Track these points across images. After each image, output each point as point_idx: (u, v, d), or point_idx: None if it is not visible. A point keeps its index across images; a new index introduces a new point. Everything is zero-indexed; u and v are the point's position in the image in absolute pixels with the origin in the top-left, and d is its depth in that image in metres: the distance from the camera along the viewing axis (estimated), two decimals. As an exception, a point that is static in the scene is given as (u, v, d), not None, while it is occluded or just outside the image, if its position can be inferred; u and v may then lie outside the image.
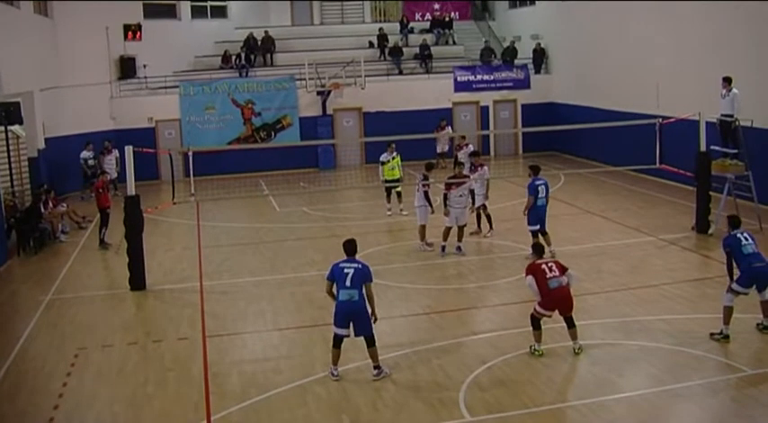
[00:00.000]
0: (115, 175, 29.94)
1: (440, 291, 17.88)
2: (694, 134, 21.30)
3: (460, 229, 20.66)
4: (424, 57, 38.94)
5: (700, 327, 14.90)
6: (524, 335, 14.61)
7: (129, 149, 18.59)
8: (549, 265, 13.89)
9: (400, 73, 38.54)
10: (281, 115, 35.82)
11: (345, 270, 13.07)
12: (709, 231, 21.26)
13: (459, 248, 20.66)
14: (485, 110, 37.78)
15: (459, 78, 37.49)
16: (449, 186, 20.53)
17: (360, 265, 13.16)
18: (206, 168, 24.82)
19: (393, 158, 24.61)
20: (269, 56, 38.74)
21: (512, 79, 38.09)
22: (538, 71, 38.69)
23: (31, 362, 14.74)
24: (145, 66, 35.03)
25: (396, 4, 45.58)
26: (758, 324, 14.45)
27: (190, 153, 20.30)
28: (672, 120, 21.99)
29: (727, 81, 22.15)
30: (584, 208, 25.37)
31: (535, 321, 13.96)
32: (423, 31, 41.90)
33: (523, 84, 38.15)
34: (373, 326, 13.21)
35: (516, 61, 38.73)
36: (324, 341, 14.89)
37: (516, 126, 37.83)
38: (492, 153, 37.83)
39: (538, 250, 14.45)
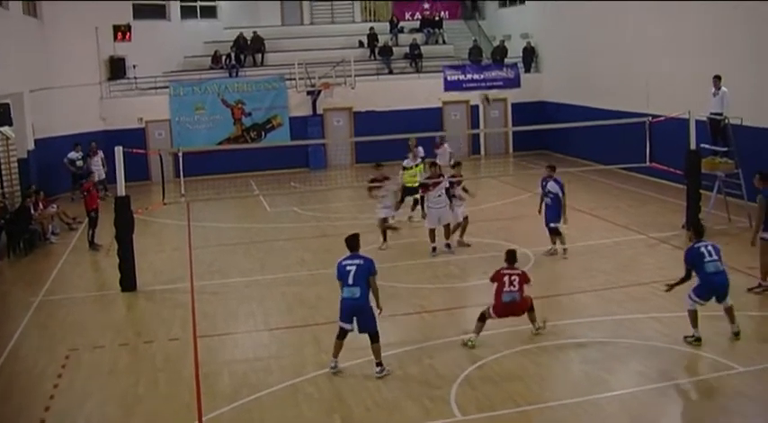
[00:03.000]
0: (103, 175, 29.84)
1: (431, 290, 17.88)
2: (684, 132, 21.33)
3: (446, 227, 20.67)
4: (414, 56, 38.98)
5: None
6: (515, 333, 14.65)
7: (119, 150, 18.55)
8: (512, 278, 14.14)
9: (390, 72, 38.57)
10: (271, 115, 35.81)
11: (348, 267, 13.21)
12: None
13: (447, 246, 20.69)
14: (475, 109, 37.81)
15: (448, 78, 37.50)
16: (425, 188, 20.54)
17: (362, 261, 13.30)
18: (196, 169, 24.76)
19: (417, 165, 23.80)
20: (259, 56, 38.75)
21: (502, 78, 38.12)
22: (528, 70, 38.73)
23: (21, 363, 14.70)
24: (134, 66, 34.96)
25: (385, 4, 45.64)
26: (734, 333, 13.99)
27: (180, 153, 20.25)
28: (662, 118, 22.02)
29: (718, 79, 22.22)
30: (575, 206, 25.34)
31: (482, 316, 14.28)
32: (412, 31, 41.95)
33: (513, 83, 38.18)
34: (378, 322, 13.26)
35: (506, 60, 38.76)
36: (314, 341, 14.92)
37: (506, 125, 37.88)
38: (482, 152, 37.89)
39: (509, 258, 14.54)
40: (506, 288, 14.08)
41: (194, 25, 39.53)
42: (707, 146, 22.39)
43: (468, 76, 37.81)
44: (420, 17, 43.37)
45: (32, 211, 23.70)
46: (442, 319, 16.05)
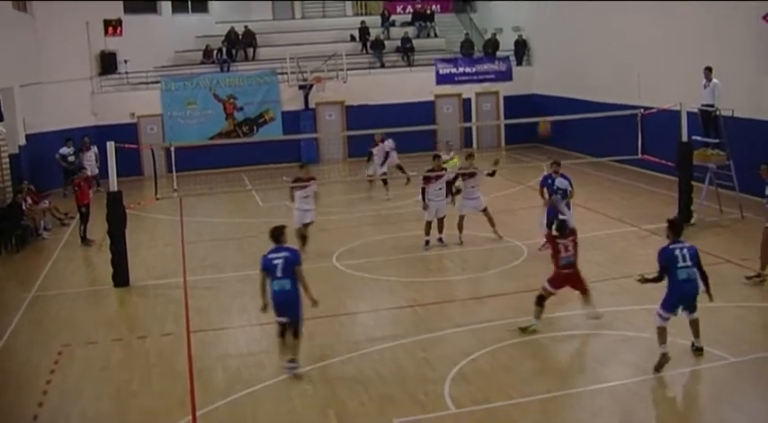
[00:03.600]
0: (96, 171, 29.80)
1: (423, 283, 17.91)
2: (676, 124, 21.38)
3: (440, 220, 20.69)
4: (406, 50, 38.93)
5: (682, 317, 14.97)
6: (508, 326, 14.68)
7: (110, 145, 18.52)
8: (566, 245, 14.40)
9: (382, 66, 38.50)
10: (263, 110, 35.77)
11: (275, 261, 13.12)
12: (692, 221, 21.34)
13: (440, 240, 20.71)
14: (467, 102, 37.82)
15: (440, 71, 37.49)
16: (427, 180, 20.54)
17: (288, 253, 13.27)
18: (188, 164, 24.78)
19: (451, 158, 24.49)
20: (250, 50, 38.66)
21: (493, 71, 38.13)
22: (519, 63, 38.73)
23: (14, 359, 14.69)
24: (126, 61, 34.87)
25: (377, -3, 45.51)
26: (692, 344, 13.14)
27: (172, 148, 20.24)
28: (653, 110, 22.06)
29: (709, 71, 22.26)
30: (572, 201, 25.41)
31: (541, 299, 14.52)
32: (404, 24, 41.83)
33: (505, 76, 38.18)
34: (302, 319, 13.25)
35: (498, 53, 38.75)
36: (308, 336, 14.88)
37: (498, 118, 37.89)
38: (475, 145, 37.89)
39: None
40: (563, 254, 14.29)
41: (185, 20, 39.40)
42: (698, 138, 22.44)
43: (460, 70, 37.81)
44: (412, 10, 43.28)
45: (24, 207, 23.65)
46: (436, 313, 16.05)
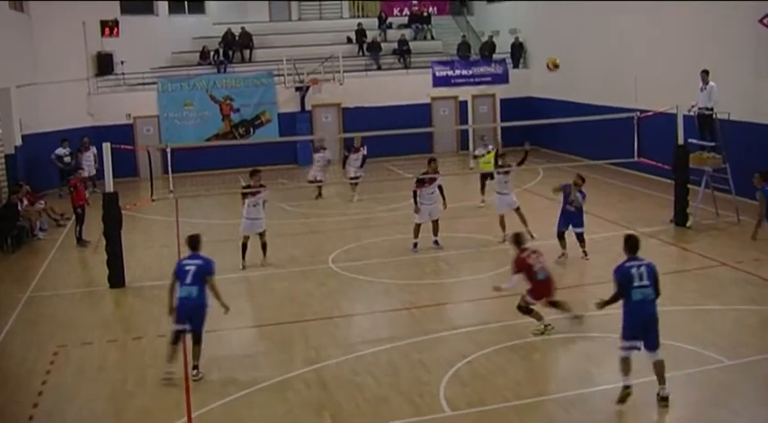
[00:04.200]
0: (94, 171, 29.78)
1: (419, 286, 17.91)
2: (672, 127, 21.41)
3: (435, 223, 20.70)
4: (403, 52, 38.94)
5: (678, 319, 15.00)
6: (504, 329, 14.70)
7: (107, 146, 18.51)
8: (537, 256, 14.39)
9: (379, 68, 38.51)
10: (259, 111, 35.77)
11: (187, 267, 13.23)
12: (688, 224, 21.39)
13: (436, 242, 20.72)
14: (463, 105, 37.82)
15: (437, 73, 37.47)
16: (420, 184, 20.54)
17: (202, 261, 13.35)
18: (184, 165, 24.71)
19: (489, 152, 25.27)
20: (247, 52, 38.66)
21: (490, 74, 38.11)
22: (516, 66, 38.76)
23: (10, 359, 14.68)
24: (122, 62, 34.84)
25: (374, 0, 45.45)
26: (658, 394, 11.74)
27: (168, 149, 20.21)
28: (650, 113, 22.08)
29: (706, 74, 22.29)
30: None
31: (526, 309, 14.53)
32: (401, 27, 41.87)
33: (502, 78, 38.18)
34: (204, 327, 13.30)
35: (494, 56, 38.76)
36: (303, 337, 14.93)
37: (495, 120, 37.89)
38: (471, 148, 37.84)
39: (518, 241, 14.63)
40: (537, 268, 14.21)
41: (182, 21, 39.38)
42: (694, 141, 22.46)
43: (457, 72, 37.76)
44: (408, 13, 43.31)
45: (20, 208, 23.61)
46: (431, 315, 16.05)
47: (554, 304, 14.53)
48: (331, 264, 19.82)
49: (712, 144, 22.40)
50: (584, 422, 11.39)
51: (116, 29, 34.47)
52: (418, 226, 20.59)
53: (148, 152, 21.29)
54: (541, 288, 14.28)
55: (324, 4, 44.89)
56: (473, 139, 37.51)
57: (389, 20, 42.25)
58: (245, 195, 19.93)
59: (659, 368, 11.60)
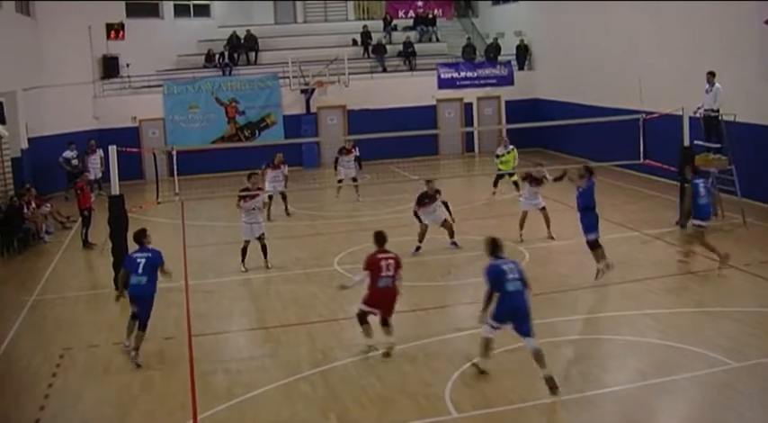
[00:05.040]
0: (99, 174, 29.84)
1: (425, 288, 17.88)
2: (678, 129, 21.38)
3: (449, 226, 20.71)
4: (408, 54, 38.95)
5: (685, 321, 14.99)
6: (509, 331, 14.66)
7: (112, 149, 18.53)
8: (388, 262, 13.94)
9: (384, 70, 38.52)
10: (264, 114, 35.82)
11: (138, 259, 14.58)
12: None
13: (454, 244, 20.76)
14: (468, 107, 37.81)
15: (442, 75, 37.50)
16: (420, 204, 20.51)
17: (151, 254, 14.70)
18: (190, 167, 24.71)
19: (509, 152, 26.19)
20: (252, 54, 38.69)
21: (495, 76, 38.13)
22: (521, 68, 38.75)
23: (16, 363, 14.69)
24: (128, 65, 34.91)
25: (379, 2, 45.49)
26: (544, 378, 12.20)
27: (174, 152, 20.23)
28: (655, 115, 22.05)
29: (711, 75, 22.25)
30: (569, 204, 25.29)
31: (362, 317, 14.09)
32: (406, 29, 41.90)
33: (507, 80, 38.18)
34: (149, 314, 14.56)
35: (500, 58, 38.76)
36: (309, 339, 14.93)
37: (500, 123, 37.89)
38: (476, 150, 37.94)
39: (379, 240, 14.36)
40: (383, 273, 13.82)
41: (188, 24, 39.43)
42: (700, 142, 22.43)
43: (462, 74, 37.82)
44: (413, 15, 43.32)
45: (26, 211, 23.66)
46: (436, 317, 16.05)
47: (385, 323, 14.06)
48: (336, 266, 19.82)
49: (718, 146, 22.37)
50: (591, 424, 11.38)
51: (122, 32, 34.62)
52: (423, 231, 20.59)
53: (154, 155, 21.32)
54: (377, 296, 13.88)
55: (329, 6, 44.94)
56: (478, 139, 37.68)
57: (394, 22, 42.26)
58: (241, 198, 19.88)
59: (538, 356, 12.22)
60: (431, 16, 42.60)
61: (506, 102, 38.08)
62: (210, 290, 18.50)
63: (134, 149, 23.52)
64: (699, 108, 22.44)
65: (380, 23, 41.79)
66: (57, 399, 12.99)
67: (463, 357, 13.58)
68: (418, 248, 20.61)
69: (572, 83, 34.54)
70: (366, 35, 39.77)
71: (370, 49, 39.39)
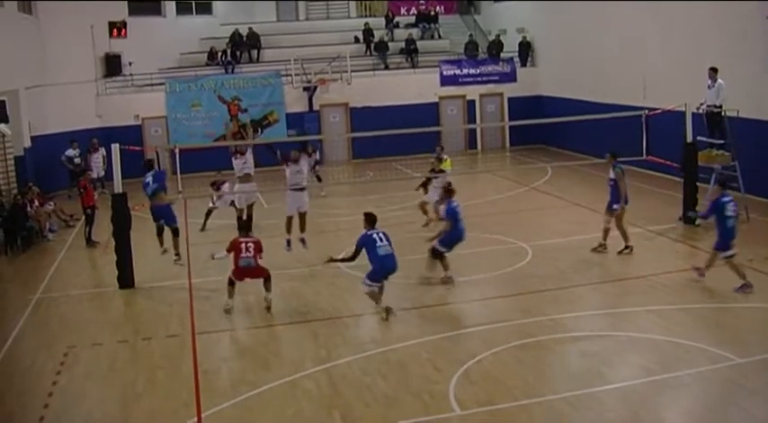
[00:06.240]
0: (102, 173, 29.89)
1: (428, 285, 17.87)
2: (681, 125, 21.36)
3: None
4: (410, 51, 38.95)
5: (688, 317, 14.98)
6: (513, 328, 14.69)
7: (115, 147, 18.56)
8: (248, 245, 16.48)
9: (386, 68, 38.51)
10: (267, 111, 35.83)
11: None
12: (696, 222, 21.29)
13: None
14: (471, 104, 37.80)
15: (445, 72, 37.51)
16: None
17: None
18: (193, 165, 24.68)
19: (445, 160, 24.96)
20: (255, 52, 38.71)
21: (498, 73, 38.13)
22: (524, 64, 38.74)
23: (20, 361, 14.70)
24: (130, 63, 34.97)
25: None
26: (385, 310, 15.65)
27: (176, 150, 20.24)
28: (658, 111, 22.03)
29: (714, 71, 22.22)
30: (572, 200, 25.43)
31: (230, 281, 16.69)
32: (408, 26, 41.87)
33: (510, 77, 38.19)
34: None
35: (502, 55, 38.75)
36: (313, 337, 14.94)
37: (503, 119, 37.89)
38: (479, 147, 37.94)
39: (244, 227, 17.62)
40: (243, 254, 16.32)
41: (190, 22, 39.47)
42: (703, 138, 22.40)
43: (465, 71, 37.82)
44: (416, 12, 43.31)
45: (29, 209, 23.68)
46: (441, 315, 16.04)
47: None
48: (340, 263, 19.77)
49: (721, 142, 22.33)
50: (595, 421, 11.35)
51: (124, 30, 34.66)
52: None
53: (157, 153, 21.34)
54: (240, 272, 16.51)
55: (331, 3, 44.90)
56: (481, 136, 37.68)
57: (397, 19, 42.25)
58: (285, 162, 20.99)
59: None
60: (433, 13, 42.59)
61: (509, 99, 38.07)
62: (214, 288, 18.47)
63: (137, 148, 23.52)
64: (701, 104, 22.40)
65: (382, 21, 41.77)
66: (61, 397, 13.01)
67: (467, 355, 13.59)
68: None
69: (575, 79, 34.52)
70: (368, 32, 39.76)
71: (373, 46, 39.39)
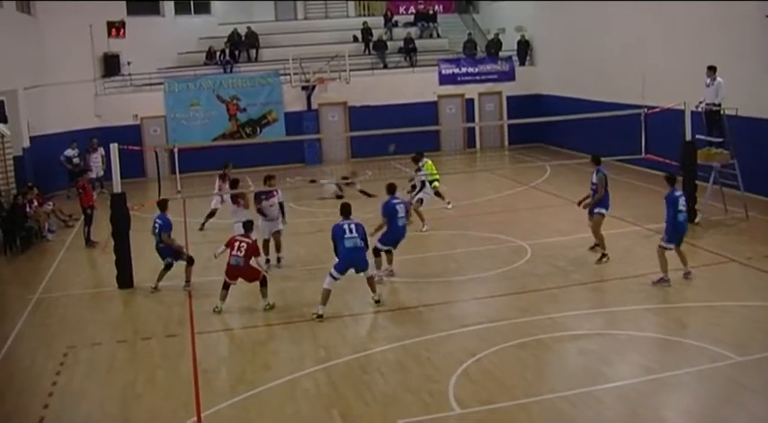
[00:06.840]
0: (101, 172, 29.88)
1: (428, 284, 17.87)
2: (680, 124, 21.36)
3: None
4: (409, 50, 38.94)
5: (687, 315, 14.99)
6: (512, 327, 14.69)
7: (114, 147, 18.55)
8: (241, 244, 16.45)
9: (385, 67, 38.51)
10: (266, 111, 35.84)
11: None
12: (696, 220, 21.30)
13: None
14: (470, 102, 37.80)
15: (443, 71, 37.51)
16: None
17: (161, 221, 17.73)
18: (192, 165, 24.69)
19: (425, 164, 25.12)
20: (253, 51, 38.71)
21: (496, 71, 38.14)
22: (522, 63, 38.74)
23: (19, 361, 14.70)
24: (129, 63, 34.98)
25: (379, -2, 45.52)
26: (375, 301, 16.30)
27: (175, 150, 20.22)
28: (657, 109, 22.03)
29: (712, 70, 22.21)
30: (571, 199, 25.33)
31: (225, 283, 16.67)
32: (407, 25, 41.86)
33: (508, 76, 38.20)
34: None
35: (501, 53, 38.76)
36: (312, 336, 14.93)
37: (502, 118, 37.88)
38: (478, 146, 37.96)
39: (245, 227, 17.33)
40: (234, 252, 16.34)
41: (188, 21, 39.48)
42: (702, 137, 22.40)
43: (463, 70, 37.84)
44: (414, 11, 43.30)
45: (28, 209, 23.67)
46: (440, 313, 16.03)
47: (261, 285, 16.65)
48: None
49: (720, 140, 22.32)
50: (594, 419, 11.35)
51: (122, 30, 34.64)
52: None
53: (156, 152, 21.26)
54: (230, 270, 16.47)
55: (329, 3, 44.89)
56: (480, 135, 37.65)
57: (395, 18, 42.24)
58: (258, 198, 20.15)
59: (372, 282, 16.36)
60: (431, 12, 42.58)
61: (508, 97, 38.09)
62: (213, 287, 18.42)
63: (136, 147, 23.50)
64: (700, 102, 22.39)
65: (381, 20, 41.76)
66: (60, 397, 13.01)
67: (467, 353, 13.60)
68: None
69: (573, 78, 34.52)
70: (367, 31, 39.74)
71: (371, 45, 39.38)
